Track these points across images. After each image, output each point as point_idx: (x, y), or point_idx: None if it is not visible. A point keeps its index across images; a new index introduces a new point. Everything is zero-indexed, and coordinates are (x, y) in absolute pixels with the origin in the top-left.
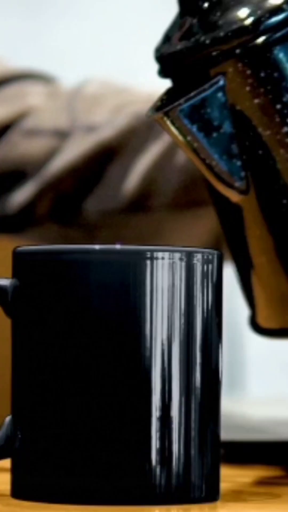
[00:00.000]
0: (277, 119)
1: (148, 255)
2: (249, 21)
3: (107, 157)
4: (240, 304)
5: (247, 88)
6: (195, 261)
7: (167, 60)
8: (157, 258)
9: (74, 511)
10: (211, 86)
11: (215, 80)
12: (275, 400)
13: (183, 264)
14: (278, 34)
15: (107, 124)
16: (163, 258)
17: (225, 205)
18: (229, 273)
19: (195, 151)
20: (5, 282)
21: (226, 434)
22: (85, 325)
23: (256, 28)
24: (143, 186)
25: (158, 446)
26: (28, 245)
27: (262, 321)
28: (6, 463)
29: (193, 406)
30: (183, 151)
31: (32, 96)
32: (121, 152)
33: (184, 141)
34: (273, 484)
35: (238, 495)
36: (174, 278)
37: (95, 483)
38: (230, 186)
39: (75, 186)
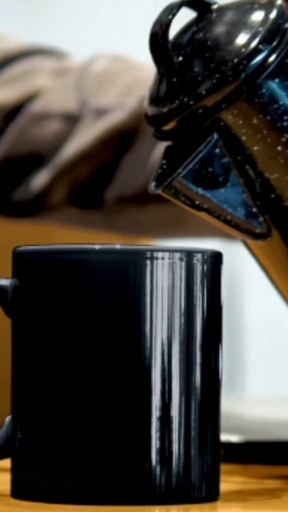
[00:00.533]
0: (282, 161)
1: (148, 255)
2: (228, 72)
3: (121, 143)
4: (240, 304)
5: (243, 138)
6: (195, 261)
7: (155, 122)
8: (157, 258)
9: (74, 511)
10: (206, 145)
11: (209, 139)
12: (275, 400)
13: (183, 264)
14: (261, 77)
15: (118, 107)
16: (163, 258)
17: (254, 250)
18: (229, 273)
19: (208, 211)
20: (5, 282)
21: (226, 434)
22: (85, 325)
23: (237, 77)
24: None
25: (158, 446)
26: (28, 245)
27: None
28: (6, 463)
29: (193, 406)
30: (196, 215)
31: (41, 75)
32: (135, 137)
33: (194, 206)
34: (273, 484)
35: (238, 495)
36: (174, 278)
37: (95, 483)
38: (251, 234)
39: (91, 173)
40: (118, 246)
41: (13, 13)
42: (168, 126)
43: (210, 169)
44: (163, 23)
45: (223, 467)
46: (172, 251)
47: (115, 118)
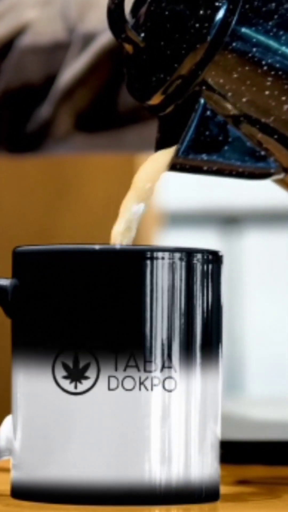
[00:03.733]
0: (273, 103)
1: (148, 255)
2: (193, 39)
3: (114, 62)
4: (240, 304)
5: (229, 94)
6: (195, 261)
7: (139, 98)
8: (157, 258)
9: (74, 511)
10: (196, 112)
11: (196, 105)
12: (275, 400)
13: (183, 264)
14: (228, 33)
15: (105, 30)
16: (163, 258)
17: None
18: (229, 273)
19: (218, 172)
20: (5, 282)
21: (226, 434)
22: (85, 325)
23: (204, 41)
24: None
25: (158, 446)
26: (28, 245)
27: None
28: (6, 463)
29: (193, 406)
30: (209, 177)
31: (27, 8)
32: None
33: (204, 172)
34: (273, 484)
35: (238, 495)
36: (174, 278)
37: (95, 483)
38: (269, 175)
39: (93, 97)
40: (118, 246)
41: None
42: (153, 102)
43: (207, 133)
44: (116, 0)
45: (223, 467)
46: (172, 251)
47: (103, 40)
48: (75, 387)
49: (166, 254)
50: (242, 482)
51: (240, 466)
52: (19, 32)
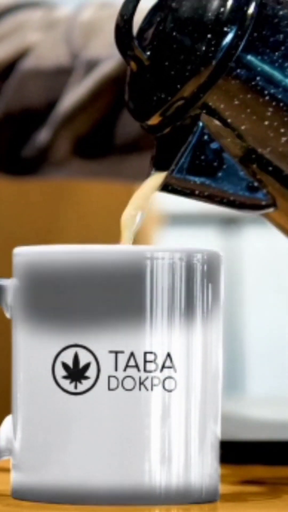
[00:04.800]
0: (271, 134)
1: (148, 255)
2: (199, 61)
3: (117, 91)
4: (240, 304)
5: (229, 120)
6: (195, 261)
7: (138, 117)
8: (157, 258)
9: (74, 511)
10: (193, 135)
11: (195, 128)
12: (275, 400)
13: (183, 264)
14: (233, 59)
15: (108, 56)
16: (163, 258)
17: (272, 220)
18: (229, 273)
19: (210, 198)
20: (5, 282)
21: (226, 434)
22: (85, 325)
23: (208, 65)
24: None
25: (158, 446)
26: (28, 246)
27: None
28: (6, 463)
29: (193, 406)
30: (200, 202)
31: (30, 30)
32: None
33: (195, 196)
34: (273, 484)
35: (238, 495)
36: (174, 278)
37: (95, 483)
38: (259, 207)
39: (92, 124)
40: (118, 246)
41: None
42: (152, 122)
43: (202, 157)
44: (125, 18)
45: (223, 467)
46: (172, 251)
47: (107, 68)
48: (75, 387)
49: (166, 254)
50: (242, 482)
51: (240, 466)
52: (21, 55)
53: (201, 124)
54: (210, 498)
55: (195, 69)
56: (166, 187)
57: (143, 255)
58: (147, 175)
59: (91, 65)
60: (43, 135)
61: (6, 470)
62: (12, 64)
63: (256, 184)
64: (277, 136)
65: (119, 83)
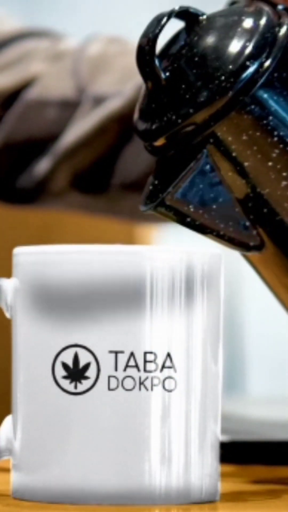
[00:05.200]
0: (273, 176)
1: (148, 255)
2: (216, 90)
3: (121, 130)
4: (240, 304)
5: (234, 154)
6: (195, 261)
7: (145, 137)
8: (157, 259)
9: (74, 511)
10: (196, 162)
11: (199, 155)
12: (275, 400)
13: (183, 264)
14: (250, 94)
15: (116, 94)
16: (163, 259)
17: (252, 262)
18: (229, 273)
19: (200, 227)
20: (5, 282)
21: (226, 434)
22: (85, 325)
23: (225, 95)
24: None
25: (158, 446)
26: (28, 246)
27: None
28: (6, 463)
29: (193, 406)
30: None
31: (36, 60)
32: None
33: (186, 223)
34: (273, 484)
35: (238, 495)
36: (174, 279)
37: (95, 483)
38: (246, 247)
39: (93, 160)
40: (118, 246)
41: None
42: (158, 143)
43: (201, 186)
44: (150, 37)
45: (223, 467)
46: (172, 251)
47: (114, 105)
48: (75, 387)
49: (166, 254)
50: (242, 482)
51: (240, 466)
52: (26, 84)
53: (205, 152)
54: (210, 498)
55: (211, 97)
56: (158, 208)
57: (143, 256)
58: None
59: (98, 101)
60: (42, 166)
61: (6, 470)
62: (16, 93)
63: (248, 223)
64: (278, 179)
65: (124, 121)
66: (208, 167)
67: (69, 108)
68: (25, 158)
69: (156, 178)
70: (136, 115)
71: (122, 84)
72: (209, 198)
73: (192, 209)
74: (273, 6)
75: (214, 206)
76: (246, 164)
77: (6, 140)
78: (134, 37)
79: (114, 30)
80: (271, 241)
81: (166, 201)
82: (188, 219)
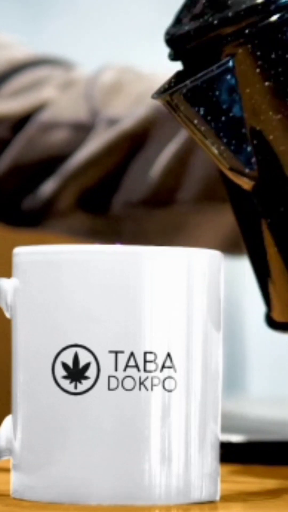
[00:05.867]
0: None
1: (148, 255)
2: (259, 0)
3: (130, 147)
4: (240, 304)
5: (257, 70)
6: (195, 261)
7: (177, 42)
8: (157, 258)
9: (74, 511)
10: (219, 67)
11: (223, 61)
12: (275, 400)
13: (183, 264)
14: None
15: (128, 115)
16: (163, 258)
17: (238, 194)
18: (229, 273)
19: (203, 135)
20: (5, 282)
21: (226, 434)
22: (85, 325)
23: (266, 7)
24: (166, 179)
25: (158, 446)
26: (28, 246)
27: (276, 315)
28: (6, 463)
29: (193, 406)
30: (191, 135)
31: (48, 87)
32: (144, 144)
33: (191, 125)
34: (273, 484)
35: (238, 495)
36: (174, 278)
37: (95, 483)
38: (240, 173)
39: (100, 177)
40: (118, 246)
41: (13, 18)
42: (187, 45)
43: (216, 93)
44: None
45: (223, 467)
46: (172, 251)
47: (125, 125)
48: (75, 387)
49: (166, 254)
50: (242, 482)
51: (240, 466)
52: (37, 109)
53: (231, 63)
54: (210, 498)
55: (253, 8)
56: (172, 99)
57: (143, 256)
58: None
59: (111, 123)
60: (49, 186)
61: (6, 470)
62: (27, 117)
63: (249, 149)
64: None
65: (133, 139)
66: (229, 76)
67: (82, 130)
68: (33, 180)
69: (177, 77)
70: (170, 24)
71: (135, 107)
72: (221, 108)
73: (202, 112)
74: None
75: (223, 118)
76: (266, 83)
77: (15, 161)
78: (141, 64)
79: (124, 58)
80: (267, 175)
81: (180, 93)
82: (195, 121)
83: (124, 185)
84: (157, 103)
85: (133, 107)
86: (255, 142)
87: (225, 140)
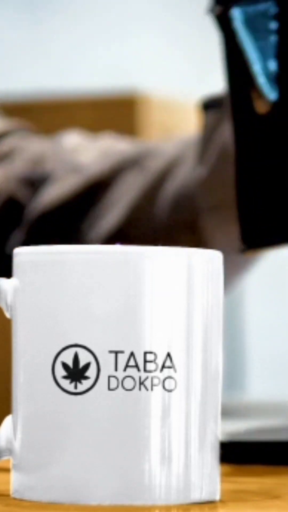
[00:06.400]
0: None
1: (148, 255)
2: None
3: (93, 193)
4: (240, 304)
5: None
6: (195, 261)
7: None
8: (157, 258)
9: (74, 511)
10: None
11: None
12: (275, 400)
13: (183, 264)
14: None
15: (93, 163)
16: (163, 258)
17: (247, 121)
18: None
19: (239, 52)
20: (5, 282)
21: (226, 434)
22: (85, 325)
23: None
24: (129, 218)
25: (158, 446)
26: (28, 246)
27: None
28: (6, 463)
29: (193, 406)
30: (224, 54)
31: (19, 161)
32: (108, 187)
33: (231, 42)
34: (273, 484)
35: (238, 495)
36: (174, 278)
37: (95, 483)
38: (262, 94)
39: (64, 220)
40: (118, 246)
41: (15, 17)
42: None
43: (263, 19)
44: None
45: (223, 467)
46: (172, 251)
47: (90, 171)
48: (75, 387)
49: (166, 254)
50: (242, 482)
51: (240, 466)
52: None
53: None
54: (210, 498)
55: None
56: (224, 13)
57: (143, 256)
58: None
59: (75, 171)
60: (18, 236)
61: (6, 470)
62: None
63: (276, 74)
64: None
65: (99, 188)
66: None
67: (42, 180)
68: (3, 226)
69: None
70: None
71: (101, 158)
72: (263, 32)
73: (245, 32)
74: None
75: (263, 42)
76: None
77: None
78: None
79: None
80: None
81: (229, 11)
82: (238, 39)
83: (87, 223)
84: (121, 151)
85: (99, 157)
86: (282, 70)
87: (259, 62)
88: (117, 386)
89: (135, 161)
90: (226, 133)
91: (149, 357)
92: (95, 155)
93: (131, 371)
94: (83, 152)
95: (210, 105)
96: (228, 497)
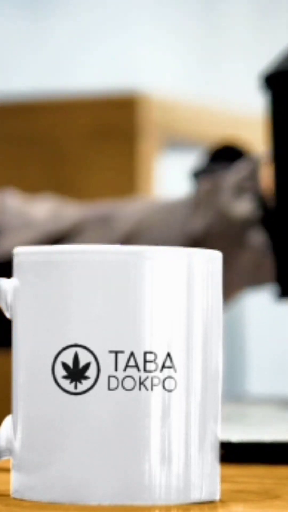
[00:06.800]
0: None
1: (148, 255)
2: None
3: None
4: (240, 304)
5: None
6: (195, 261)
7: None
8: (157, 258)
9: (74, 511)
10: None
11: None
12: (275, 400)
13: (183, 264)
14: None
15: (47, 221)
16: (163, 258)
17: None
18: None
19: None
20: (5, 282)
21: (226, 434)
22: (85, 325)
23: None
24: None
25: (158, 446)
26: (28, 246)
27: None
28: (6, 463)
29: (193, 406)
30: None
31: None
32: (69, 242)
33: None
34: (273, 484)
35: (238, 495)
36: (174, 278)
37: (95, 483)
38: None
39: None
40: (118, 246)
41: (16, 13)
42: None
43: None
44: None
45: (223, 467)
46: (172, 251)
47: (48, 227)
48: (75, 387)
49: (166, 254)
50: (242, 482)
51: (240, 466)
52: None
53: None
54: (210, 498)
55: None
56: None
57: (143, 256)
58: None
59: (29, 225)
60: None
61: (6, 470)
62: None
63: None
64: None
65: (54, 240)
66: None
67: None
68: None
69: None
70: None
71: (54, 218)
72: None
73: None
74: None
75: None
76: None
77: None
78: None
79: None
80: None
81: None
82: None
83: None
84: (79, 211)
85: (55, 218)
86: None
87: None
88: (117, 386)
89: (100, 219)
90: (224, 198)
91: (149, 357)
92: (46, 214)
93: (131, 371)
94: (31, 210)
95: (199, 174)
96: (228, 497)
